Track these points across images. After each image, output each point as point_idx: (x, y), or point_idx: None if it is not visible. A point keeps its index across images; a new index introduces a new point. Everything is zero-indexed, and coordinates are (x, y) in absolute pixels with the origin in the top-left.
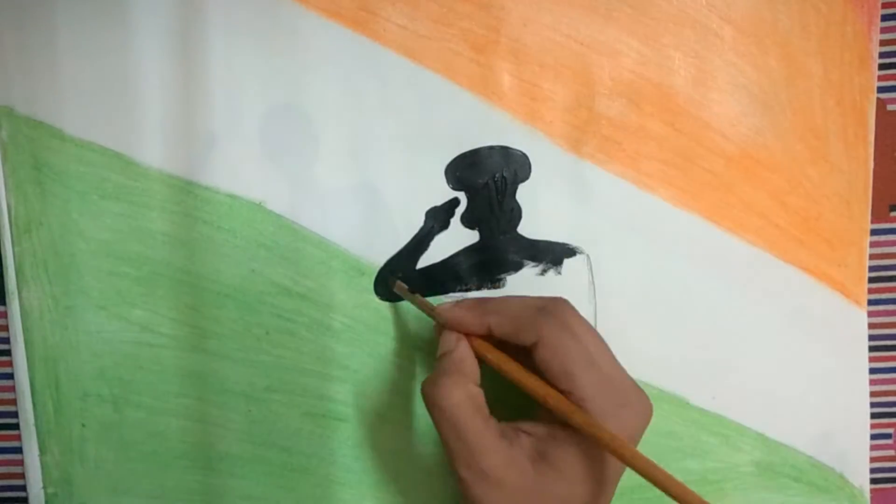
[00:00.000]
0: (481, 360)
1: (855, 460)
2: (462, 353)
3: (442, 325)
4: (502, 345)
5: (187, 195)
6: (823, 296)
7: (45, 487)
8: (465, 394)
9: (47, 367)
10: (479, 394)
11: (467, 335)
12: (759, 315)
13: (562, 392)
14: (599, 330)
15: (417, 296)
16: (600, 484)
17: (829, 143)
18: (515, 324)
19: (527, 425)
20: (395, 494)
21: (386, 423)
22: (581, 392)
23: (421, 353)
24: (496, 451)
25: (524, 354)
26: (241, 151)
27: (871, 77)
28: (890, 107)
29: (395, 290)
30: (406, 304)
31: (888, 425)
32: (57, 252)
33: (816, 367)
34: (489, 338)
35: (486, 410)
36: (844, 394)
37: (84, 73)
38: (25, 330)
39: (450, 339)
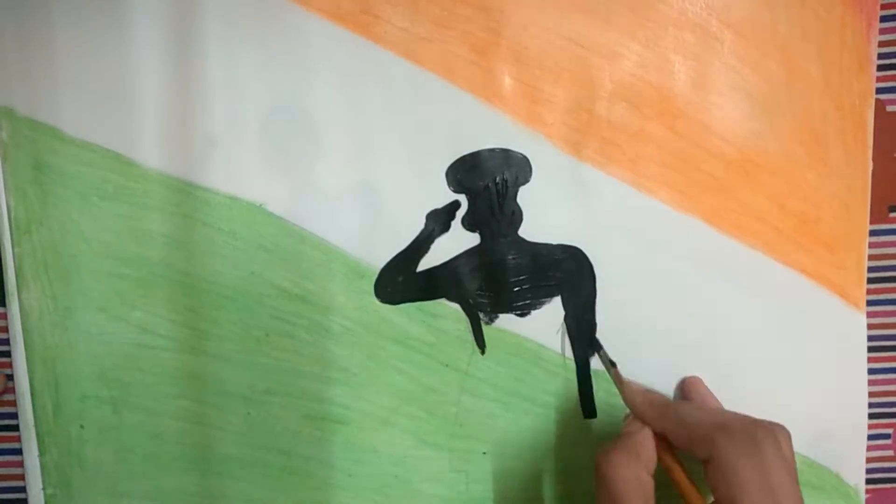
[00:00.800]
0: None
1: (851, 460)
2: (643, 439)
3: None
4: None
5: (187, 197)
6: (822, 298)
7: (44, 489)
8: (634, 475)
9: (46, 369)
10: (649, 483)
11: None
12: (759, 318)
13: None
14: (600, 332)
15: (615, 370)
16: None
17: (829, 147)
18: (690, 437)
19: None
20: (394, 499)
21: (386, 426)
22: None
23: (422, 356)
24: None
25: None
26: (242, 153)
27: (870, 81)
28: (889, 108)
29: (601, 359)
30: (406, 307)
31: (887, 426)
32: (57, 253)
33: (815, 370)
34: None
35: (652, 501)
36: (842, 395)
37: (84, 74)
38: (25, 331)
39: (635, 423)
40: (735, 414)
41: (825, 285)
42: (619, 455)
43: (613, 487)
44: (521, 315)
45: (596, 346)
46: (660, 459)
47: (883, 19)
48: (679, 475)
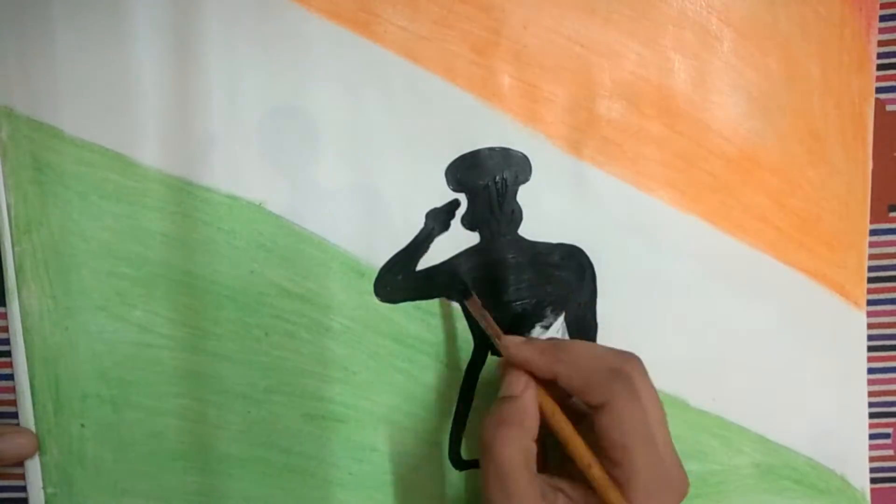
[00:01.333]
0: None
1: (855, 462)
2: (527, 404)
3: (506, 360)
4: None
5: (187, 196)
6: (822, 297)
7: (44, 488)
8: (520, 448)
9: (47, 368)
10: (532, 449)
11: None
12: (759, 317)
13: (612, 461)
14: (600, 332)
15: (487, 315)
16: None
17: (828, 146)
18: (586, 381)
19: (566, 485)
20: (394, 497)
21: (386, 424)
22: (631, 466)
23: (422, 354)
24: None
25: (576, 413)
26: (241, 152)
27: (870, 79)
28: (889, 107)
29: (468, 304)
30: (406, 306)
31: (887, 425)
32: (57, 252)
33: (816, 369)
34: (548, 384)
35: (534, 467)
36: (844, 395)
37: (84, 73)
38: (25, 330)
39: (517, 383)
40: (609, 350)
41: (825, 284)
42: (505, 430)
43: (501, 467)
44: (521, 314)
45: (465, 293)
46: (543, 412)
47: (882, 18)
48: (561, 422)
